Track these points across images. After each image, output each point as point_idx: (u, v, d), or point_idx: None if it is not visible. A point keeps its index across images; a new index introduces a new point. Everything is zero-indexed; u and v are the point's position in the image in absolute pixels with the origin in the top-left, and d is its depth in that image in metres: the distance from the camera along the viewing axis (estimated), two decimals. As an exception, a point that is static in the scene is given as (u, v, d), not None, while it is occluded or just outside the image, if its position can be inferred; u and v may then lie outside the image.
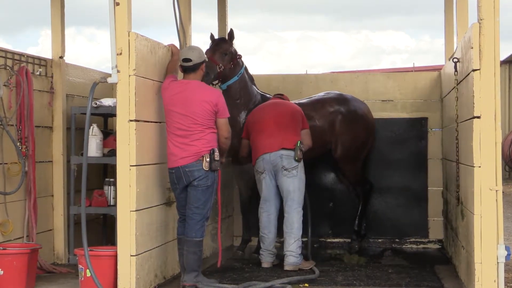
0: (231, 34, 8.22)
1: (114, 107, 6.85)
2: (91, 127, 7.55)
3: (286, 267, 7.64)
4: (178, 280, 6.93)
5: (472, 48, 5.96)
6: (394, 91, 9.60)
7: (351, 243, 9.09)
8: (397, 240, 9.50)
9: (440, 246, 9.35)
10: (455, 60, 7.15)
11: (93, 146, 7.62)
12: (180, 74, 6.96)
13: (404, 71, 22.33)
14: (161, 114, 6.84)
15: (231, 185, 9.44)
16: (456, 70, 7.13)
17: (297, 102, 8.57)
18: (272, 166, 7.78)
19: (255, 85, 8.51)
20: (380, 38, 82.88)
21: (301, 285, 6.90)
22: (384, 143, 9.45)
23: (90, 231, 6.84)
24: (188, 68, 6.79)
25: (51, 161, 8.11)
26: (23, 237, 7.46)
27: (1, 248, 6.82)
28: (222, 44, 8.11)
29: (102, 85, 6.85)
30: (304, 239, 7.99)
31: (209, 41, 8.23)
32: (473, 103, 5.94)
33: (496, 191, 5.91)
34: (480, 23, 5.93)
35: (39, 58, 7.97)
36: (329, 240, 9.54)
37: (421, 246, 9.45)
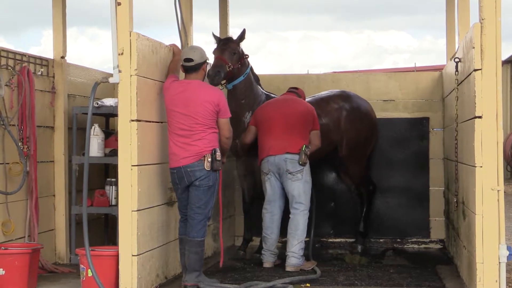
0: (242, 34, 8.17)
1: (116, 107, 6.86)
2: (93, 127, 7.55)
3: (288, 268, 7.63)
4: (179, 280, 6.93)
5: (473, 48, 5.96)
6: (395, 91, 9.60)
7: (354, 243, 9.07)
8: (398, 240, 9.50)
9: (441, 246, 9.34)
10: (457, 60, 7.15)
11: (95, 146, 7.62)
12: (182, 74, 6.96)
13: (406, 71, 22.32)
14: (163, 114, 6.84)
15: (232, 185, 9.45)
16: (457, 70, 7.12)
17: None
18: (277, 169, 7.79)
19: (260, 85, 8.50)
20: (382, 38, 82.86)
21: (302, 285, 6.90)
22: (385, 143, 9.45)
23: (92, 231, 6.84)
24: (190, 68, 6.79)
25: (53, 161, 8.12)
26: (24, 237, 7.47)
27: (3, 248, 6.83)
28: (231, 44, 8.08)
29: (104, 85, 6.86)
30: (306, 239, 7.98)
31: (211, 41, 8.21)
32: (475, 103, 5.94)
33: (498, 191, 5.90)
34: (481, 23, 5.92)
35: (41, 58, 7.98)
36: (330, 240, 9.54)
37: (423, 246, 9.45)
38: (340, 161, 8.90)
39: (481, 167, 5.92)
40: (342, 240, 9.45)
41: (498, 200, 5.91)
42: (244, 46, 8.18)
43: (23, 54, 7.63)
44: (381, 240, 9.49)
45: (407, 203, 9.49)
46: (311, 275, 7.27)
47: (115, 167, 6.95)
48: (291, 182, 7.76)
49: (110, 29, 6.33)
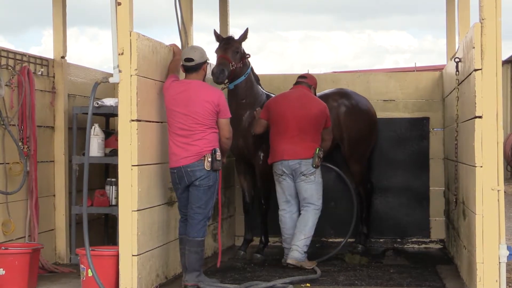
0: (245, 34, 8.15)
1: (116, 107, 6.86)
2: (93, 127, 7.55)
3: (289, 260, 7.67)
4: (179, 280, 6.93)
5: (474, 48, 5.96)
6: (396, 91, 9.60)
7: (354, 243, 9.06)
8: (398, 240, 9.50)
9: (442, 246, 9.34)
10: (457, 60, 7.15)
11: (95, 146, 7.62)
12: (182, 74, 6.96)
13: (406, 71, 22.33)
14: (163, 114, 6.84)
15: (233, 185, 9.45)
16: (457, 70, 7.12)
17: None
18: (291, 170, 7.86)
19: (260, 85, 8.49)
20: (383, 38, 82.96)
21: (302, 285, 6.90)
22: (386, 143, 9.45)
23: (92, 231, 6.85)
24: (190, 68, 6.78)
25: (53, 161, 8.12)
26: (25, 236, 7.47)
27: (3, 247, 6.83)
28: (234, 43, 8.06)
29: (104, 85, 6.86)
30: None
31: (211, 41, 8.20)
32: (475, 103, 5.94)
33: (498, 191, 5.90)
34: (482, 23, 5.92)
35: (41, 58, 7.98)
36: (330, 240, 9.53)
37: (423, 246, 9.45)
38: (343, 159, 8.91)
39: (481, 167, 5.92)
40: (342, 240, 9.44)
41: (498, 200, 5.91)
42: (245, 45, 8.19)
43: (23, 54, 7.63)
44: (381, 240, 9.49)
45: (407, 203, 9.49)
46: (311, 275, 7.27)
47: (115, 167, 6.95)
48: (304, 184, 7.84)
49: (110, 29, 6.33)
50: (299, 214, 7.97)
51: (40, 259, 7.25)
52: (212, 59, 7.82)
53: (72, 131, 7.79)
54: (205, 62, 6.86)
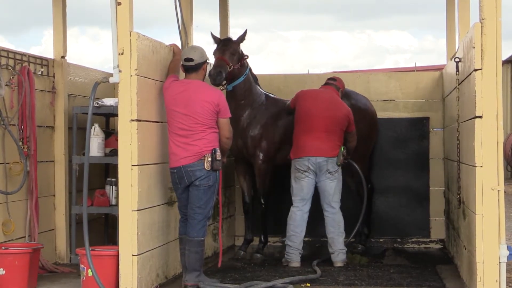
0: (243, 35, 8.15)
1: (116, 107, 6.86)
2: (93, 126, 7.55)
3: (338, 264, 7.88)
4: (179, 280, 6.93)
5: (474, 47, 5.95)
6: (396, 90, 9.60)
7: (355, 243, 9.04)
8: (398, 239, 9.50)
9: (442, 246, 9.34)
10: (457, 59, 7.15)
11: (95, 146, 7.62)
12: (182, 74, 6.96)
13: (406, 70, 22.32)
14: (163, 113, 6.84)
15: (233, 185, 9.45)
16: (457, 70, 7.12)
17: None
18: (317, 168, 7.95)
19: (259, 85, 8.50)
20: (384, 38, 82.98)
21: (302, 285, 6.90)
22: (386, 143, 9.45)
23: (92, 231, 6.85)
24: (190, 68, 6.78)
25: (53, 161, 8.12)
26: (25, 236, 7.47)
27: (3, 247, 6.83)
28: (231, 44, 8.08)
29: (104, 84, 6.86)
30: (306, 239, 8.00)
31: (212, 41, 8.20)
32: (475, 103, 5.94)
33: (498, 191, 5.90)
34: (482, 23, 5.92)
35: (41, 58, 7.98)
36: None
37: (423, 246, 9.45)
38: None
39: (481, 167, 5.92)
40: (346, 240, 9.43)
41: (498, 200, 5.90)
42: (245, 46, 8.20)
43: (23, 54, 7.63)
44: (381, 240, 9.49)
45: (407, 203, 9.49)
46: (311, 275, 7.27)
47: (115, 167, 6.95)
48: (329, 181, 7.98)
49: (111, 29, 6.33)
50: (308, 216, 8.05)
51: (40, 259, 7.25)
52: (212, 60, 7.82)
53: (72, 131, 7.79)
54: (205, 62, 6.86)
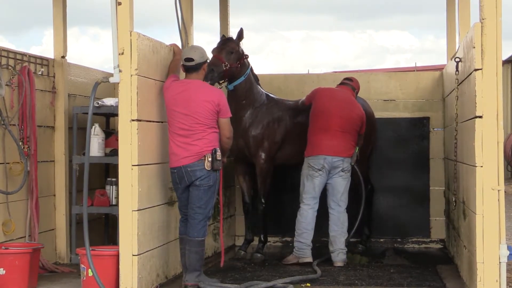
0: (240, 33, 8.15)
1: (116, 107, 6.86)
2: (93, 126, 7.55)
3: (338, 264, 7.92)
4: (180, 280, 6.93)
5: (474, 47, 5.95)
6: (396, 90, 9.60)
7: (359, 244, 9.04)
8: (399, 239, 9.50)
9: (442, 246, 9.34)
10: (457, 59, 7.14)
11: (95, 146, 7.63)
12: (182, 74, 6.96)
13: (406, 70, 22.31)
14: (163, 113, 6.84)
15: (233, 185, 9.44)
16: (457, 70, 7.12)
17: (296, 101, 8.56)
18: (332, 167, 8.02)
19: (259, 85, 8.50)
20: (384, 38, 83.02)
21: (303, 285, 6.90)
22: (386, 143, 9.45)
23: (92, 231, 6.85)
24: (190, 68, 6.78)
25: (53, 161, 8.12)
26: (25, 236, 7.47)
27: (4, 247, 6.83)
28: (229, 43, 8.08)
29: (104, 84, 6.85)
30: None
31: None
32: (475, 103, 5.94)
33: (498, 190, 5.90)
34: (482, 23, 5.92)
35: (41, 58, 7.98)
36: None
37: (423, 245, 9.45)
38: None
39: (481, 167, 5.91)
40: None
41: (498, 199, 5.90)
42: (246, 45, 8.20)
43: (23, 54, 7.64)
44: (382, 240, 9.49)
45: (408, 202, 9.49)
46: (311, 275, 7.27)
47: (115, 167, 6.95)
48: (342, 180, 8.08)
49: (111, 29, 6.33)
50: (316, 213, 8.12)
51: (41, 258, 7.25)
52: (211, 60, 7.83)
53: (73, 131, 7.80)
54: (205, 62, 6.86)
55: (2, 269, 6.66)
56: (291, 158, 8.49)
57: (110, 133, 8.09)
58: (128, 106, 6.32)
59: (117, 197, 7.08)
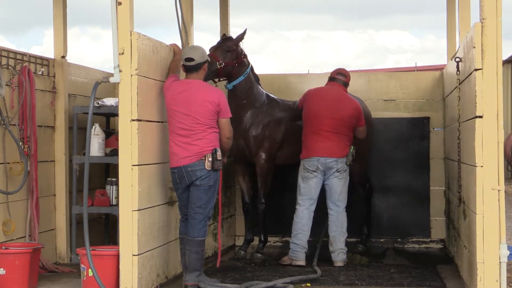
0: (242, 34, 8.15)
1: (116, 107, 6.86)
2: (93, 126, 7.55)
3: (338, 264, 7.92)
4: (180, 280, 6.93)
5: (474, 47, 5.95)
6: (396, 90, 9.60)
7: (359, 244, 9.03)
8: (399, 239, 9.49)
9: (442, 246, 9.34)
10: (457, 59, 7.14)
11: (95, 146, 7.62)
12: (182, 74, 6.96)
13: (406, 70, 22.32)
14: (163, 113, 6.84)
15: (233, 185, 9.44)
16: (458, 70, 7.12)
17: (295, 101, 8.57)
18: (327, 168, 8.01)
19: (260, 85, 8.49)
20: (385, 38, 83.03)
21: (303, 285, 6.90)
22: (386, 143, 9.44)
23: (92, 231, 6.85)
24: (191, 68, 6.78)
25: (53, 161, 8.12)
26: (25, 236, 7.47)
27: (4, 247, 6.83)
28: (226, 42, 8.09)
29: (104, 84, 6.86)
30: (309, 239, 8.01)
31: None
32: (475, 103, 5.94)
33: (498, 190, 5.90)
34: (482, 23, 5.92)
35: (41, 58, 7.98)
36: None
37: (423, 245, 9.44)
38: None
39: (481, 166, 5.91)
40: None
41: (498, 199, 5.90)
42: (247, 45, 8.20)
43: (23, 54, 7.64)
44: (382, 240, 9.48)
45: (408, 202, 9.48)
46: (311, 275, 7.27)
47: (115, 167, 6.96)
48: (338, 180, 8.04)
49: (111, 29, 6.33)
50: (313, 215, 8.09)
51: (41, 258, 7.25)
52: (211, 60, 7.82)
53: (73, 130, 7.79)
54: (205, 62, 6.85)
55: (2, 269, 6.66)
56: (291, 158, 8.48)
57: (110, 133, 8.08)
58: (128, 106, 6.32)
59: (117, 197, 7.08)
